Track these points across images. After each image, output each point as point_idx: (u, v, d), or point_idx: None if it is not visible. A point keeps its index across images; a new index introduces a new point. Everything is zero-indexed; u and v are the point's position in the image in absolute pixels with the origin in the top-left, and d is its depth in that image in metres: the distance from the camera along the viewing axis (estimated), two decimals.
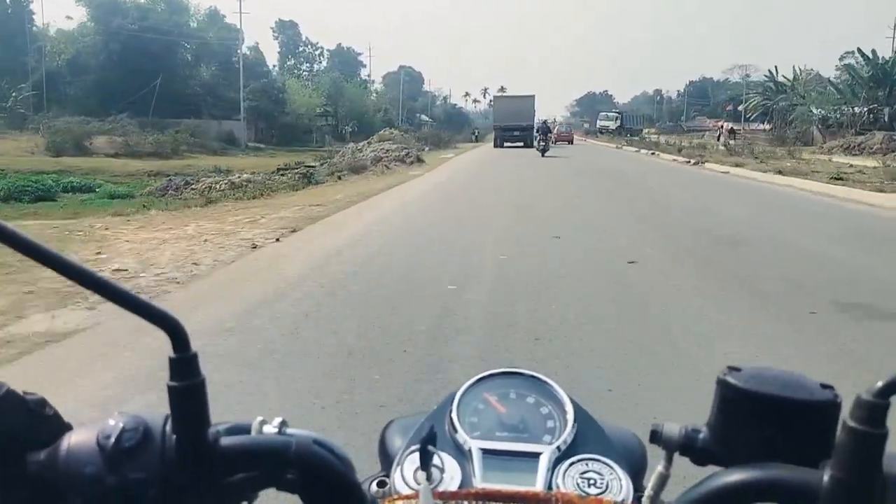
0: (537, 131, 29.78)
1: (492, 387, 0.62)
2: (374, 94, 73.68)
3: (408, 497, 0.51)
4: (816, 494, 0.36)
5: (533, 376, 0.62)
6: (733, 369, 0.43)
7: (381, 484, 0.54)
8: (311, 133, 44.47)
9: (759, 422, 0.42)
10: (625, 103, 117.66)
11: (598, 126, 58.58)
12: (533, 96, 39.89)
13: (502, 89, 72.27)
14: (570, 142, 46.10)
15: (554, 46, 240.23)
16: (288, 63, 63.70)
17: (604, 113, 66.01)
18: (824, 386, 0.42)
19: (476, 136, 48.31)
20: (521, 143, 35.32)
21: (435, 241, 6.56)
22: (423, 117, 75.41)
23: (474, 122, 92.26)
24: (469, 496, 0.50)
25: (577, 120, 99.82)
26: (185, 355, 0.39)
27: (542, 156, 25.66)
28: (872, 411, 0.34)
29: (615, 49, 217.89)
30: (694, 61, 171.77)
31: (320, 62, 68.57)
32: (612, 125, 58.79)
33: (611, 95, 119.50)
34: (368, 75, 73.79)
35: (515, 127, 36.96)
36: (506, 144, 35.97)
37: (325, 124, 41.61)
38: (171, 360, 0.38)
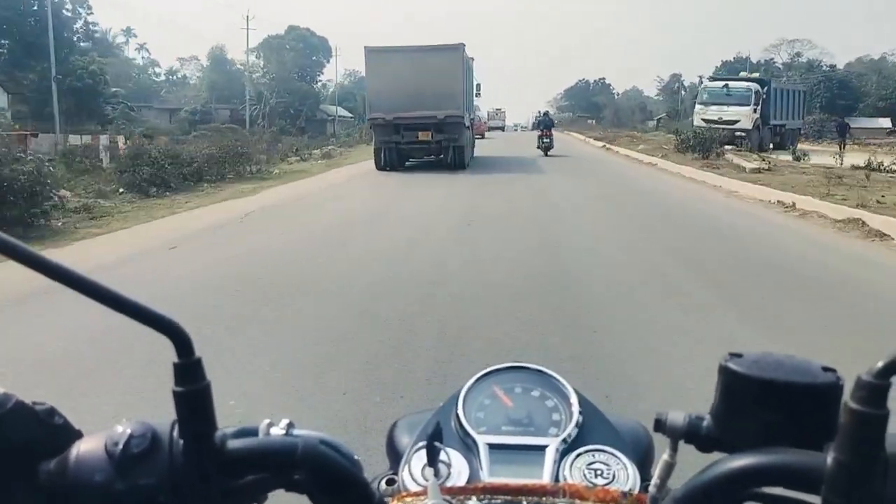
0: (538, 125, 26.69)
1: (497, 381, 0.66)
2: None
3: (416, 494, 0.54)
4: (820, 477, 0.39)
5: (538, 370, 0.67)
6: (735, 355, 0.46)
7: (390, 482, 0.58)
8: None
9: (761, 407, 0.44)
10: (622, 93, 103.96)
11: (697, 118, 26.38)
12: (461, 48, 18.37)
13: None
14: (482, 135, 38.62)
15: (533, 21, 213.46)
16: None
17: (718, 85, 27.32)
18: (826, 369, 0.45)
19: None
20: (435, 156, 18.75)
21: None
22: (333, 108, 45.93)
23: None
24: (477, 491, 0.53)
25: (576, 116, 71.83)
26: (190, 360, 0.42)
27: (546, 154, 23.81)
28: (873, 392, 0.37)
29: (613, 28, 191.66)
30: (718, 38, 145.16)
31: None
32: (747, 117, 25.35)
33: (608, 84, 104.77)
34: None
35: (421, 121, 17.87)
36: (410, 161, 19.37)
37: None
38: (176, 366, 0.42)
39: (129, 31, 64.04)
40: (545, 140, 24.44)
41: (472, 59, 21.90)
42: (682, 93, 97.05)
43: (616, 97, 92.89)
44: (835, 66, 69.89)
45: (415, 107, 17.21)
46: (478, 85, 24.32)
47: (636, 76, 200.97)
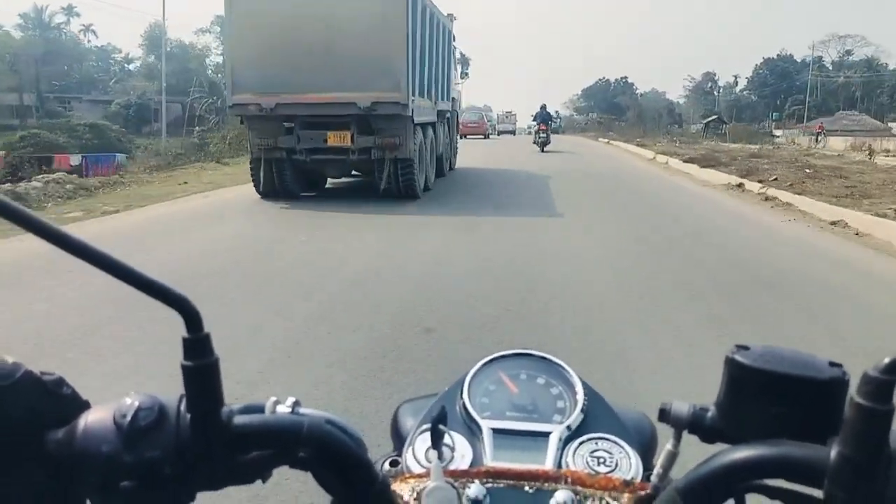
0: (535, 119, 26.28)
1: (503, 368, 0.69)
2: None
3: (419, 476, 0.56)
4: (823, 471, 0.40)
5: (543, 357, 0.70)
6: (742, 347, 0.48)
7: (394, 463, 0.61)
8: None
9: (767, 399, 0.46)
10: (645, 93, 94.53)
11: None
12: None
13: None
14: (486, 136, 38.57)
15: (547, 20, 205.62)
16: None
17: None
18: (832, 364, 0.46)
19: None
20: (364, 174, 11.46)
21: None
22: None
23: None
24: (480, 474, 0.56)
25: (602, 116, 64.58)
26: (199, 335, 0.43)
27: (542, 150, 23.02)
28: (879, 387, 0.38)
29: (632, 26, 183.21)
30: (750, 36, 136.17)
31: None
32: None
33: (631, 84, 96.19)
34: None
35: (328, 113, 9.64)
36: (334, 183, 12.71)
37: None
38: (185, 340, 0.43)
39: (70, 9, 56.20)
40: (542, 135, 24.65)
41: (452, 17, 13.69)
42: (717, 93, 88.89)
43: (639, 98, 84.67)
44: None
45: (317, 85, 9.18)
46: (465, 60, 16.07)
47: (655, 76, 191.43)
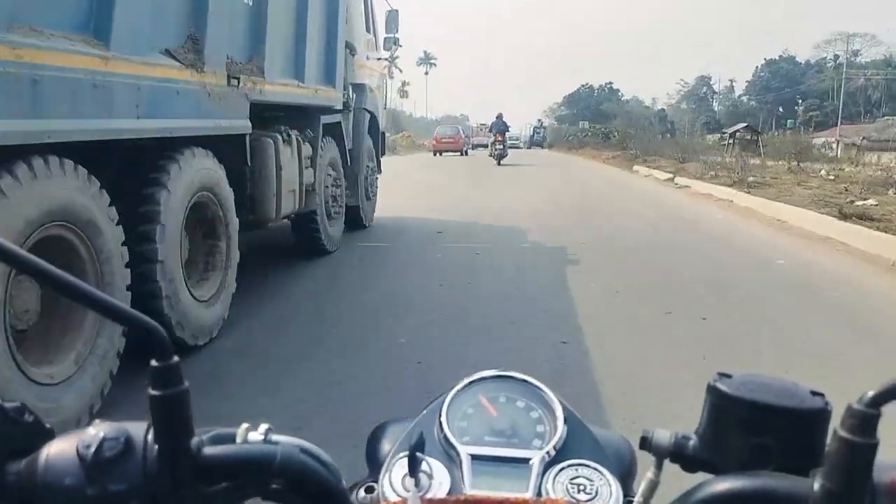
0: (491, 130, 26.51)
1: (482, 390, 0.68)
2: None
3: None
4: (806, 503, 0.41)
5: (524, 380, 0.69)
6: (724, 376, 0.49)
7: (369, 490, 0.61)
8: None
9: (748, 429, 0.47)
10: (629, 100, 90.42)
11: None
12: None
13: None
14: (462, 152, 35.36)
15: (522, 26, 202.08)
16: None
17: None
18: (814, 393, 0.47)
19: None
20: None
21: None
22: None
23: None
24: (458, 503, 0.56)
25: (591, 127, 57.76)
26: (168, 363, 0.42)
27: (499, 164, 22.92)
28: (864, 421, 0.39)
29: (614, 29, 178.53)
30: (753, 34, 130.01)
31: None
32: None
33: (617, 90, 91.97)
34: None
35: None
36: None
37: None
38: (153, 369, 0.43)
39: None
40: (498, 147, 24.00)
41: None
42: (711, 98, 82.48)
43: (626, 105, 78.03)
44: None
45: None
46: (391, 11, 8.21)
47: (640, 82, 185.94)
